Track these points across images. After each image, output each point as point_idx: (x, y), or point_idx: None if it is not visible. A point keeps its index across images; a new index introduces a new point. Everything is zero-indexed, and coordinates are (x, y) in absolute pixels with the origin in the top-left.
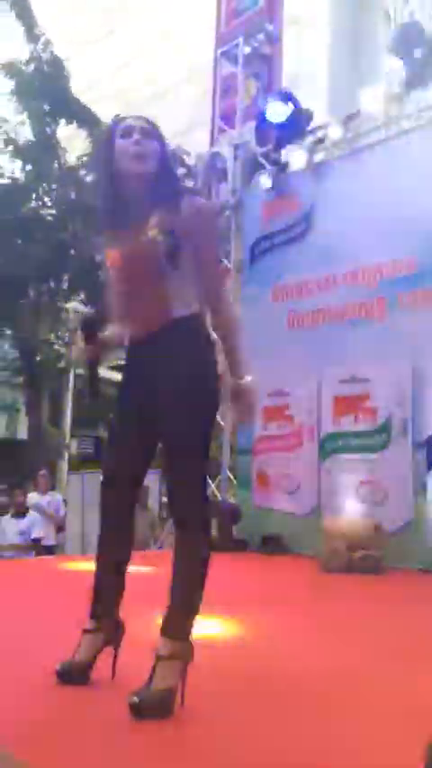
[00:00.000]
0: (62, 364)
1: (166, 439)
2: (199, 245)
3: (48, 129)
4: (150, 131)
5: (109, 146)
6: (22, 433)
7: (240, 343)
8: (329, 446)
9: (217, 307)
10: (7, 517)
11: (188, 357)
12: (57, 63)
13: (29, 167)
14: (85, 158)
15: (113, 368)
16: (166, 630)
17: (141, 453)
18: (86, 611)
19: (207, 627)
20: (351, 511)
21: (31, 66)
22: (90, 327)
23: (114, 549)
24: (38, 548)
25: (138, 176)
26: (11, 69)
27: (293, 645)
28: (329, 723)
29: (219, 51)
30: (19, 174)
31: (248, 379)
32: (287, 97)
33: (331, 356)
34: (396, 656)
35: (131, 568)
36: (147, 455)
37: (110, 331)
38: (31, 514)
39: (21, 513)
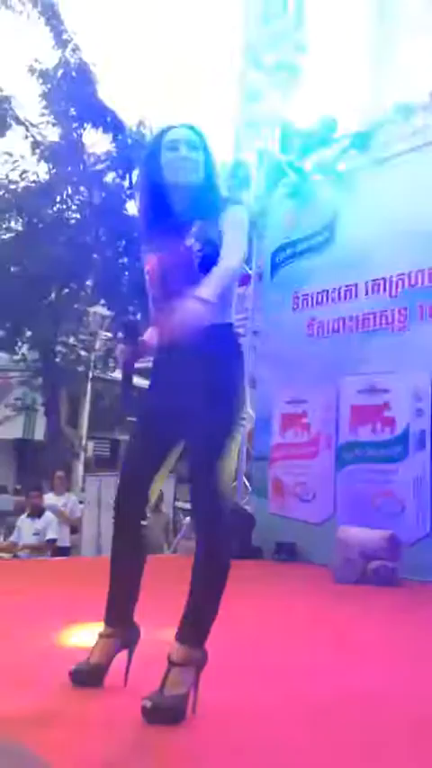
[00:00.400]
0: (81, 367)
1: (189, 447)
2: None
3: (74, 134)
4: (197, 143)
5: (154, 157)
6: (40, 434)
7: (220, 277)
8: (346, 455)
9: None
10: (23, 517)
11: (215, 366)
12: (84, 68)
13: (54, 170)
14: (108, 162)
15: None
16: (181, 636)
17: (160, 458)
18: (102, 615)
19: (217, 635)
20: (366, 521)
21: (60, 71)
22: (130, 331)
23: (129, 555)
24: (53, 548)
25: (183, 188)
26: (41, 74)
27: (302, 657)
28: (333, 737)
29: (245, 58)
30: (44, 177)
31: (197, 298)
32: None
33: (350, 365)
34: (407, 675)
35: (144, 572)
36: (165, 460)
37: (148, 335)
38: (47, 515)
39: (36, 513)
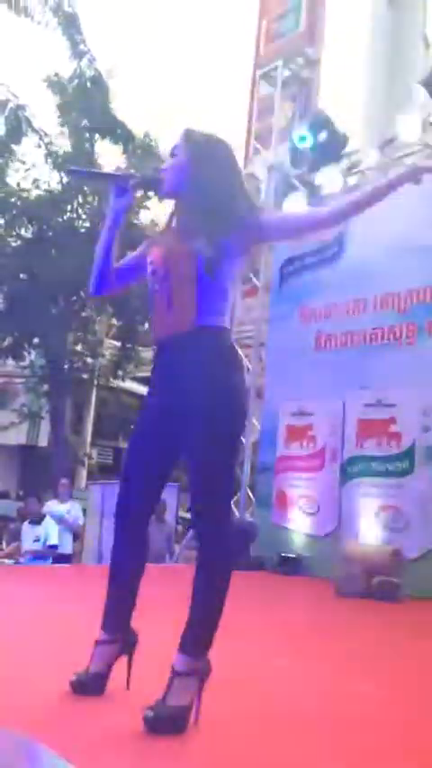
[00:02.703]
0: (87, 374)
1: (189, 456)
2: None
3: (87, 145)
4: (180, 148)
5: None
6: (44, 440)
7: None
8: (352, 469)
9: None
10: (26, 523)
11: (212, 372)
12: (99, 80)
13: (66, 179)
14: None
15: (136, 379)
16: (183, 647)
17: (161, 466)
18: (99, 622)
19: (220, 647)
20: (370, 535)
21: (74, 83)
22: (151, 185)
23: (128, 562)
24: (54, 555)
25: (178, 196)
26: (56, 85)
27: (302, 670)
28: (335, 750)
29: (257, 73)
30: (55, 186)
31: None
32: (320, 124)
33: (357, 379)
34: (412, 696)
35: (147, 581)
36: (166, 467)
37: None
38: (47, 521)
39: (36, 519)
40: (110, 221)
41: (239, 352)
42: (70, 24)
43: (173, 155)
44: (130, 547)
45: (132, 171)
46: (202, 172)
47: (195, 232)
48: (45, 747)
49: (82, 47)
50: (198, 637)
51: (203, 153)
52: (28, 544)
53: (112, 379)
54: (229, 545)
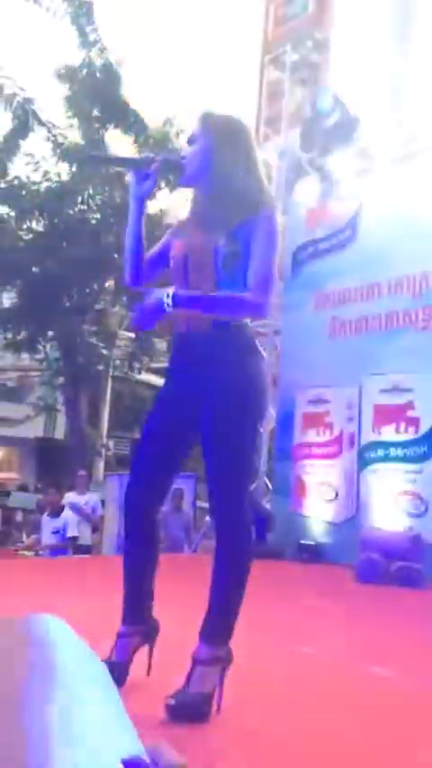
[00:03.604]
0: (102, 366)
1: (206, 444)
2: (254, 250)
3: (97, 134)
4: (195, 135)
5: None
6: (60, 433)
7: (213, 305)
8: (369, 455)
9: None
10: (45, 515)
11: (229, 366)
12: (109, 69)
13: (74, 169)
14: None
15: (151, 371)
16: (205, 635)
17: (173, 454)
18: (119, 612)
19: (240, 635)
20: (390, 521)
21: (84, 72)
22: (171, 167)
23: (141, 554)
24: (74, 546)
25: (195, 185)
26: (66, 74)
27: (325, 657)
28: (360, 735)
29: (266, 57)
30: (65, 177)
31: (175, 296)
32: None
33: (373, 365)
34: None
35: (165, 571)
36: (179, 456)
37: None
38: (67, 513)
39: (55, 511)
40: (134, 209)
41: (257, 344)
42: (81, 13)
43: (191, 142)
44: (141, 538)
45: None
46: (224, 158)
47: (214, 223)
48: None
49: (94, 36)
50: (218, 625)
51: (225, 138)
52: (47, 537)
53: (126, 371)
54: (248, 533)
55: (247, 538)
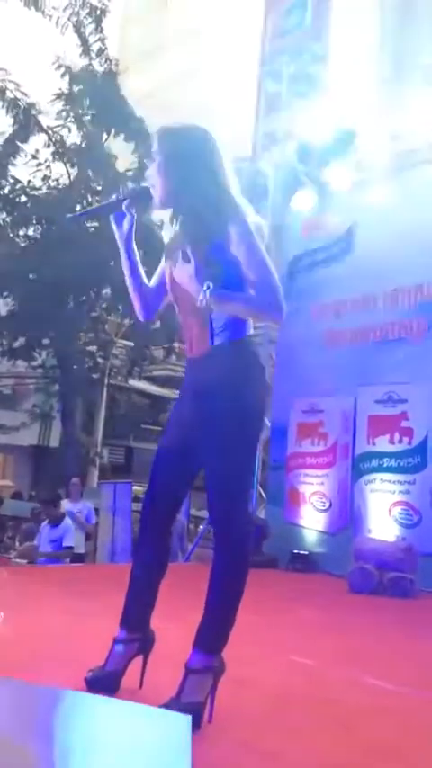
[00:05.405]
0: (97, 374)
1: (206, 462)
2: (247, 266)
3: (98, 142)
4: (156, 152)
5: None
6: (55, 440)
7: (241, 303)
8: (363, 465)
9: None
10: (45, 524)
11: (228, 387)
12: (110, 75)
13: (75, 176)
14: (130, 172)
15: (147, 378)
16: (198, 644)
17: (185, 470)
18: (116, 620)
19: (233, 644)
20: (383, 531)
21: (86, 77)
22: (140, 197)
23: (151, 563)
24: (69, 555)
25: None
26: (68, 77)
27: (316, 668)
28: (353, 748)
29: (263, 69)
30: (65, 182)
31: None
32: None
33: (368, 375)
34: (426, 691)
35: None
36: (191, 472)
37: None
38: (65, 522)
39: (55, 521)
40: (123, 251)
41: (257, 357)
42: (89, 21)
43: (153, 160)
44: (153, 548)
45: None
46: (181, 175)
47: (186, 254)
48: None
49: (99, 46)
50: (213, 634)
51: (178, 154)
52: (44, 545)
53: (124, 379)
54: (246, 546)
55: (245, 551)
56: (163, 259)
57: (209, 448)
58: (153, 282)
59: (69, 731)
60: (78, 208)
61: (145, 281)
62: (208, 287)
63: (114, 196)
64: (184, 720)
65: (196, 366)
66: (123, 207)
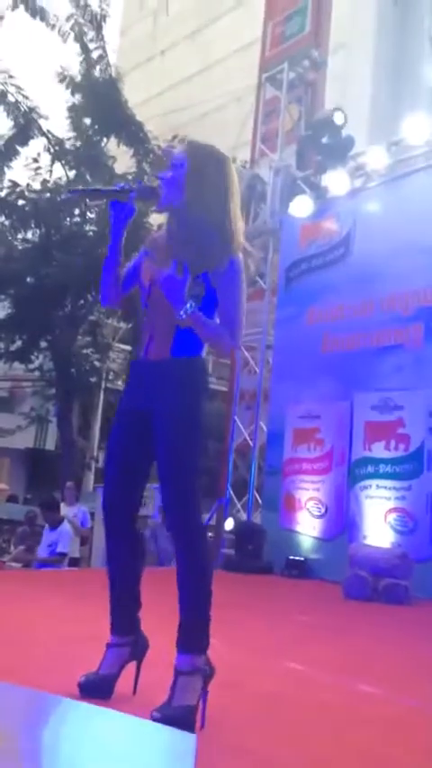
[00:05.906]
0: (94, 378)
1: (159, 473)
2: (222, 299)
3: (97, 146)
4: (168, 162)
5: None
6: (51, 444)
7: (213, 331)
8: (359, 471)
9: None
10: (46, 528)
11: (178, 405)
12: (110, 81)
13: (72, 173)
14: (130, 177)
15: None
16: (180, 644)
17: (137, 466)
18: (104, 625)
19: (227, 650)
20: (378, 538)
21: (86, 84)
22: (147, 195)
23: (123, 564)
24: (63, 561)
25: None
26: (70, 85)
27: (309, 674)
28: (345, 755)
29: (263, 75)
30: (63, 184)
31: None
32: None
33: (364, 381)
34: (418, 698)
35: (155, 584)
36: (143, 467)
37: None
38: (63, 527)
39: (55, 525)
40: (111, 237)
41: (206, 377)
42: (90, 27)
43: (173, 165)
44: (122, 548)
45: (140, 179)
46: (199, 189)
47: (182, 263)
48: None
49: (99, 52)
50: (190, 635)
51: (203, 169)
52: (42, 549)
53: (121, 383)
54: (204, 539)
55: (203, 547)
56: (143, 247)
57: (159, 462)
58: (126, 268)
59: (62, 740)
60: (77, 211)
61: (118, 274)
62: (191, 305)
63: (122, 185)
64: (190, 740)
65: (152, 371)
66: (129, 198)
